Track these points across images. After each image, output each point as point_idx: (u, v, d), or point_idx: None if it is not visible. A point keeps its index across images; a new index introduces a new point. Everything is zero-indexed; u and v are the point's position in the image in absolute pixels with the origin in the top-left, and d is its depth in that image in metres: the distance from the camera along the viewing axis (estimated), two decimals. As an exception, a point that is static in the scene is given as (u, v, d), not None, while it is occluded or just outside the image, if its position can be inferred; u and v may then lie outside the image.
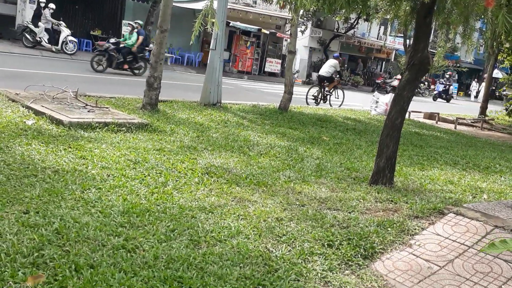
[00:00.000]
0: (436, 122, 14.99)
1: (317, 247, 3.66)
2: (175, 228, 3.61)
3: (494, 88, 33.35)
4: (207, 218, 3.93)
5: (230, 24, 23.61)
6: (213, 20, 5.00)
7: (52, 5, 18.55)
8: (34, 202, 3.72)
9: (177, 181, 4.83)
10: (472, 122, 15.76)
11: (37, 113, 6.90)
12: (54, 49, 18.27)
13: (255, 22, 25.59)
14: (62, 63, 16.45)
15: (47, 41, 18.28)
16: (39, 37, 18.11)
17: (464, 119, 16.07)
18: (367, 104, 16.92)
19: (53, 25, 18.50)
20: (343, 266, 3.47)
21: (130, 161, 5.25)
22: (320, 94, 15.96)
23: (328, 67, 15.96)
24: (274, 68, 27.27)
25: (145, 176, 4.82)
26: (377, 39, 33.51)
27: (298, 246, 3.64)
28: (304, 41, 30.05)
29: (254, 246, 3.52)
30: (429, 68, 5.73)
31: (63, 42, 18.47)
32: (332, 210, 4.57)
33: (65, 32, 18.53)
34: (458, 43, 20.03)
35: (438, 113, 15.77)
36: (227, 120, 9.00)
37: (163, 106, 9.35)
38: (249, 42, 25.63)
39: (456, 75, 39.54)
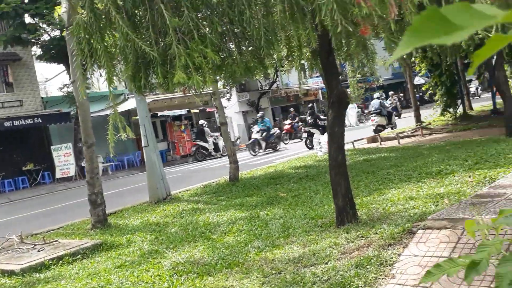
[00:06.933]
0: (380, 143, 15.42)
1: (305, 312, 3.52)
2: None
3: (421, 94, 35.07)
4: (187, 322, 3.71)
5: (159, 115, 23.86)
6: (124, 125, 5.00)
7: (205, 122, 24.13)
8: None
9: (146, 293, 4.59)
10: (412, 132, 16.34)
11: (-16, 271, 6.46)
12: (218, 155, 22.97)
13: (182, 105, 25.97)
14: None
15: (214, 151, 23.09)
16: (211, 150, 23.11)
17: (404, 132, 16.64)
18: (313, 148, 17.24)
19: (214, 137, 23.41)
20: (336, 323, 3.34)
21: (94, 289, 4.97)
22: None
23: None
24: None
25: (112, 300, 4.55)
26: (301, 84, 34.79)
27: (286, 318, 3.48)
28: (234, 107, 30.77)
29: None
30: (348, 101, 5.92)
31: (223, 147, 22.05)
32: (309, 266, 4.46)
33: (222, 139, 21.22)
34: (376, 66, 21.10)
35: (379, 134, 16.27)
36: (181, 210, 8.82)
37: (114, 218, 9.06)
38: (182, 125, 25.88)
39: (383, 93, 41.43)
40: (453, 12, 0.65)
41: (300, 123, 26.61)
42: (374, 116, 20.35)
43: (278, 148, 21.72)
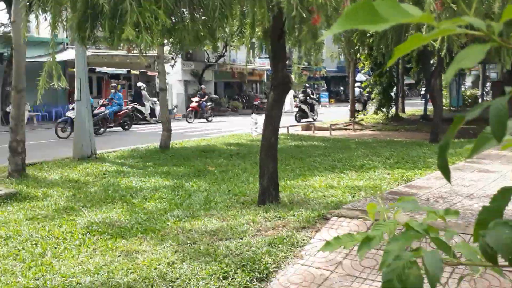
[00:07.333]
0: (313, 132, 15.82)
1: (212, 283, 3.60)
2: (56, 301, 3.32)
3: (360, 91, 36.03)
4: (93, 281, 3.68)
5: (96, 70, 22.96)
6: (60, 74, 4.80)
7: (144, 85, 23.63)
8: None
9: (55, 248, 4.49)
10: (344, 125, 16.87)
11: None
12: (153, 121, 22.54)
13: (122, 64, 25.09)
14: None
15: (149, 116, 22.78)
16: (147, 114, 22.75)
17: (337, 124, 17.14)
18: (248, 127, 17.35)
19: (151, 102, 23.07)
20: (240, 295, 3.45)
21: (1, 238, 4.79)
22: None
23: None
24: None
25: (19, 251, 4.43)
26: (248, 63, 34.68)
27: (194, 287, 3.54)
28: (177, 75, 30.15)
29: (147, 299, 3.36)
30: (291, 86, 6.02)
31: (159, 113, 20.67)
32: (224, 240, 4.54)
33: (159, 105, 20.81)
34: (321, 55, 21.49)
35: (313, 123, 16.66)
36: (105, 171, 8.61)
37: (32, 169, 8.68)
38: (119, 85, 25.01)
39: (325, 84, 42.28)
40: (382, 6, 0.74)
41: (209, 103, 24.64)
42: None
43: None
